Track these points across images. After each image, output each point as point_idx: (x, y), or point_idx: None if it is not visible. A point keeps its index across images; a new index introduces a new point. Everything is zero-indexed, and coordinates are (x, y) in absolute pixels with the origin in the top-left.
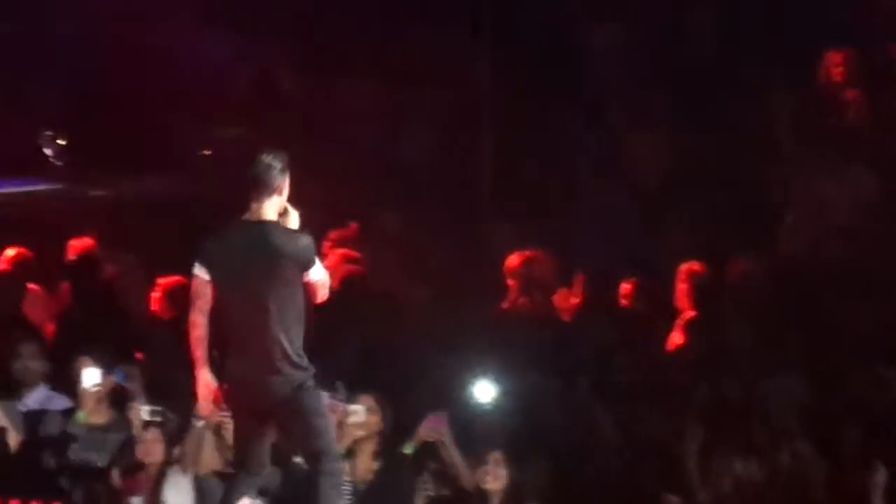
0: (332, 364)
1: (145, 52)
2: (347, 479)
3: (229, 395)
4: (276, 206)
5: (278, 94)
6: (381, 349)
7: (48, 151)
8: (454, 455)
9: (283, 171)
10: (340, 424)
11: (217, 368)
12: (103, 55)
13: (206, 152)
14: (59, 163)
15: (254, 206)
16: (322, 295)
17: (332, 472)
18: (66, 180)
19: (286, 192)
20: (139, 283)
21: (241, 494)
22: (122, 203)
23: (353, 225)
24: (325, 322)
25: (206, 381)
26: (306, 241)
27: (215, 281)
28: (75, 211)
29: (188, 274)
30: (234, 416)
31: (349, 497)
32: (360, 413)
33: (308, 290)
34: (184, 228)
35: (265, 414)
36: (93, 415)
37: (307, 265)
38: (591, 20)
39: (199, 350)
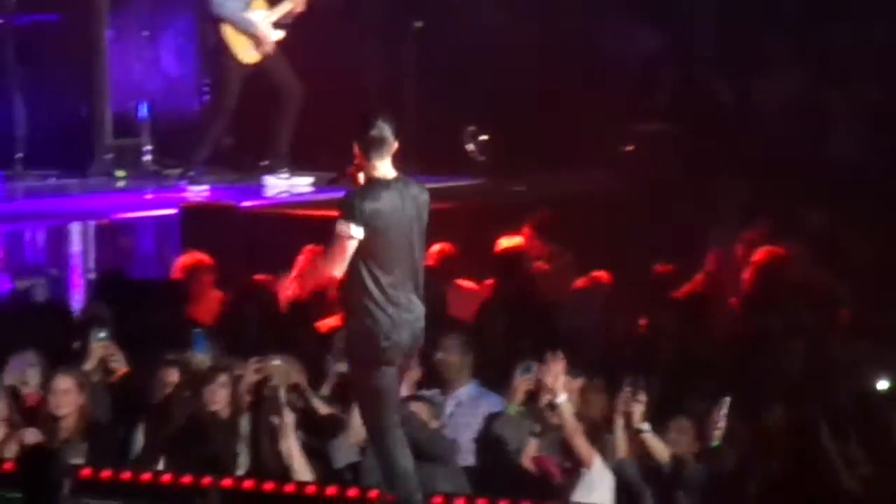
0: None
1: (569, 49)
2: None
3: (385, 350)
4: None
5: (701, 90)
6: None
7: (471, 147)
8: None
9: (394, 132)
10: None
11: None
12: (525, 52)
13: (628, 148)
14: (481, 158)
15: (379, 164)
16: None
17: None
18: (488, 176)
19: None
20: (569, 279)
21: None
22: (542, 198)
23: (766, 222)
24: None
25: None
26: (427, 192)
27: (374, 238)
28: (498, 206)
29: (613, 268)
30: (387, 371)
31: None
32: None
33: None
34: (606, 224)
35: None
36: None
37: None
38: None
39: None
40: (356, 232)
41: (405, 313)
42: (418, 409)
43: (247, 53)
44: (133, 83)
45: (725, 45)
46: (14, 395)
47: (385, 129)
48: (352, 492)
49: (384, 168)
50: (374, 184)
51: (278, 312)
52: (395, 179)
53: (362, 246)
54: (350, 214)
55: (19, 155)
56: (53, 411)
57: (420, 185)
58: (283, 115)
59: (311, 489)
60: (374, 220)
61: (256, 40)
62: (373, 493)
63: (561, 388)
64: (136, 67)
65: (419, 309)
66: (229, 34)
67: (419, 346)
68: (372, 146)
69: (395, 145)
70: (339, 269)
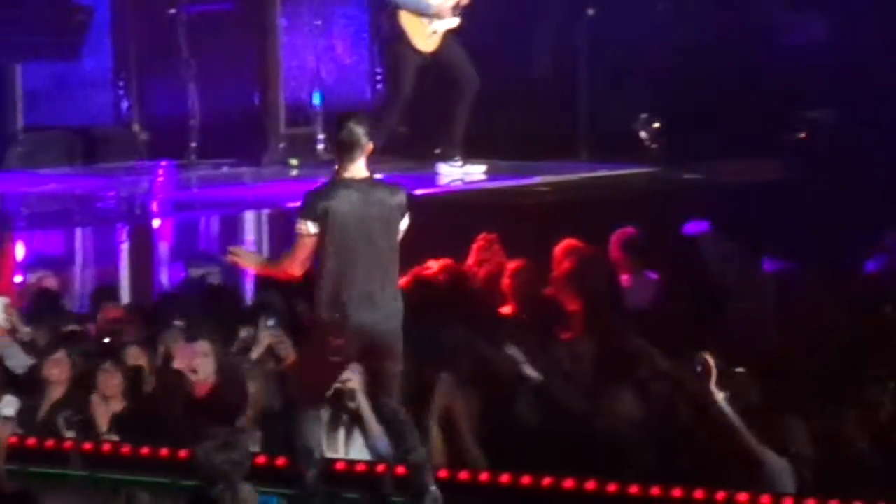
0: None
1: (742, 34)
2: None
3: (327, 335)
4: (364, 164)
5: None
6: None
7: (643, 135)
8: None
9: (367, 133)
10: None
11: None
12: (698, 38)
13: (801, 135)
14: (653, 146)
15: (349, 165)
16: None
17: (401, 408)
18: (660, 163)
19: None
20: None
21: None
22: (715, 186)
23: None
24: None
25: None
26: (403, 194)
27: (329, 234)
28: (671, 193)
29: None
30: (321, 354)
31: None
32: None
33: None
34: (780, 211)
35: (359, 354)
36: None
37: (402, 216)
38: None
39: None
40: (310, 228)
41: (353, 301)
42: None
43: (424, 41)
44: (306, 72)
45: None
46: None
47: (354, 132)
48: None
49: (353, 169)
50: (335, 183)
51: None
52: (362, 180)
53: (320, 242)
54: (305, 212)
55: (193, 144)
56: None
57: (395, 187)
58: (459, 103)
59: None
60: (327, 217)
61: (434, 22)
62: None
63: (715, 387)
64: (308, 56)
65: (387, 308)
66: (406, 21)
67: (377, 332)
68: (341, 147)
69: (368, 147)
70: (295, 265)
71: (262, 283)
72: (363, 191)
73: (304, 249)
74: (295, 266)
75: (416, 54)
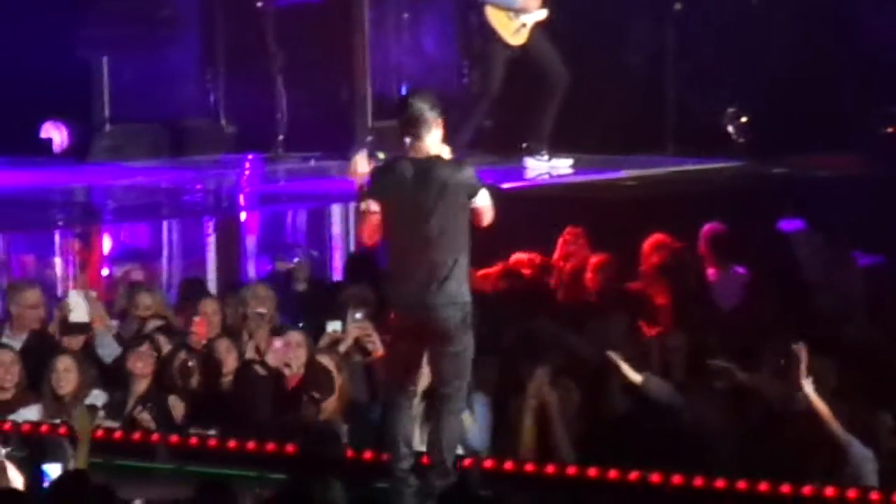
0: None
1: (829, 29)
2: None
3: (394, 319)
4: (438, 140)
5: None
6: None
7: (731, 129)
8: None
9: (434, 108)
10: None
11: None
12: (786, 33)
13: (890, 129)
14: (741, 140)
15: (415, 143)
16: (486, 218)
17: (452, 412)
18: (748, 157)
19: (441, 128)
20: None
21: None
22: (803, 180)
23: None
24: None
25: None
26: (469, 170)
27: (386, 211)
28: (758, 188)
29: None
30: (395, 340)
31: None
32: None
33: (474, 216)
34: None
35: (422, 337)
36: None
37: (473, 193)
38: None
39: None
40: (370, 205)
41: (406, 281)
42: None
43: (513, 35)
44: (393, 65)
45: None
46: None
47: (416, 108)
48: None
49: (419, 147)
50: (397, 160)
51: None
52: (426, 158)
53: (382, 221)
54: (367, 188)
55: (280, 137)
56: (313, 392)
57: (460, 164)
58: (548, 98)
59: None
60: (381, 194)
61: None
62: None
63: (804, 375)
64: (396, 49)
65: (444, 291)
66: (493, 16)
67: (430, 315)
68: (406, 125)
69: (436, 123)
70: (364, 236)
71: (352, 276)
72: (422, 168)
73: (369, 225)
74: (364, 239)
75: (505, 48)
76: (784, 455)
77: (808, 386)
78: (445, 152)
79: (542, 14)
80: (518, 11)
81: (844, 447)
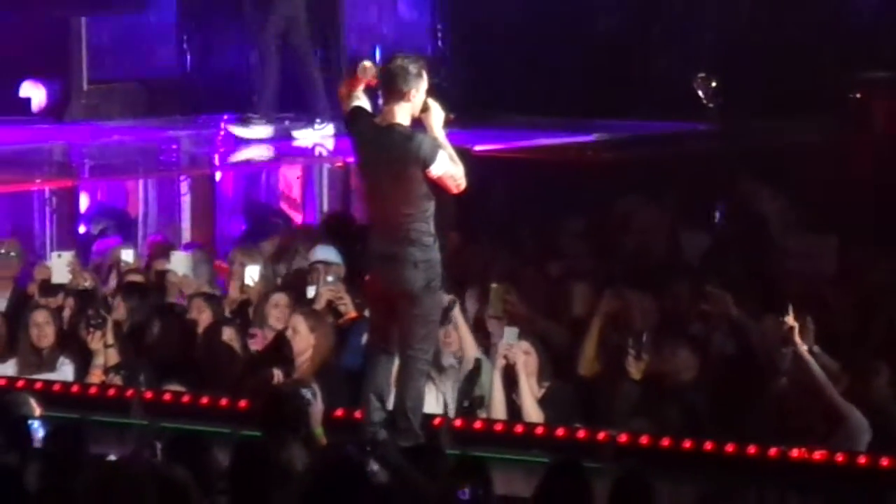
0: None
1: None
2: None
3: (368, 281)
4: (406, 111)
5: None
6: None
7: (701, 93)
8: None
9: (416, 75)
10: None
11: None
12: None
13: (856, 95)
14: (711, 105)
15: (385, 108)
16: (453, 185)
17: (416, 374)
18: (718, 122)
19: (420, 97)
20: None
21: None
22: (772, 146)
23: None
24: None
25: None
26: (420, 141)
27: (357, 157)
28: (729, 153)
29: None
30: (369, 302)
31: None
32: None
33: (438, 183)
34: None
35: (390, 298)
36: None
37: (426, 163)
38: None
39: None
40: None
41: (374, 240)
42: None
43: None
44: (367, 27)
45: None
46: None
47: (390, 74)
48: None
49: (386, 110)
50: (366, 115)
51: None
52: (386, 126)
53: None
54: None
55: (255, 98)
56: (290, 352)
57: (411, 136)
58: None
59: None
60: (353, 133)
61: None
62: None
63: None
64: (371, 11)
65: (385, 238)
66: None
67: (392, 276)
68: (381, 86)
69: (408, 94)
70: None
71: (321, 238)
72: (379, 134)
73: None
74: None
75: None
76: (775, 420)
77: (803, 349)
78: (434, 114)
79: None
80: None
81: (843, 414)
